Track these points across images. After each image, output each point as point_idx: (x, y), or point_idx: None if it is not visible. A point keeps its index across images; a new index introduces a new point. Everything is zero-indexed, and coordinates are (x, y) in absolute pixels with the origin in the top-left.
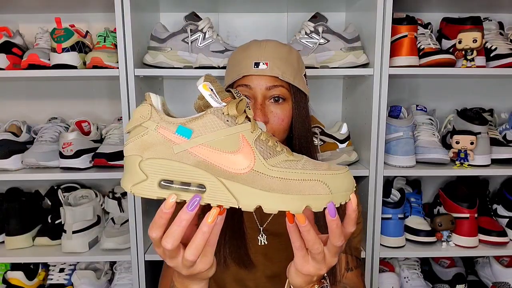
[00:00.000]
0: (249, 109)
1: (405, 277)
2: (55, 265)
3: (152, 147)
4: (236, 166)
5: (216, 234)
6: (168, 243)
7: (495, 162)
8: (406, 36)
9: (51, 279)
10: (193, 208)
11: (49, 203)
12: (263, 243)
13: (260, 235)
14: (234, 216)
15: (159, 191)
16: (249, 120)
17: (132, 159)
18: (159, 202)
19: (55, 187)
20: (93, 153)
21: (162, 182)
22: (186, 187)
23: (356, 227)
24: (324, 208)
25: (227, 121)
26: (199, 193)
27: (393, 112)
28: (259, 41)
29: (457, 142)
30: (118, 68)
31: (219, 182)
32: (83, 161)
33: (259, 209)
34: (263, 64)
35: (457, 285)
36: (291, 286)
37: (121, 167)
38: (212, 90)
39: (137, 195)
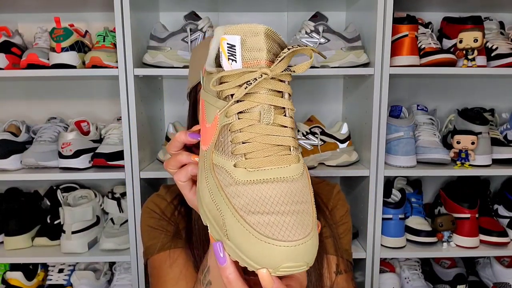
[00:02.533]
0: (245, 88)
1: (405, 278)
2: (54, 266)
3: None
4: (204, 138)
5: (183, 174)
6: (168, 147)
7: (496, 162)
8: (406, 35)
9: (50, 279)
10: (192, 137)
11: (48, 203)
12: None
13: None
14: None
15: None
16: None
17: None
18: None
19: (54, 187)
20: (92, 153)
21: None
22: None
23: (344, 226)
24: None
25: (218, 90)
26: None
27: (394, 112)
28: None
29: (458, 142)
30: (117, 67)
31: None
32: (82, 161)
33: None
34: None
35: (457, 286)
36: None
37: (120, 167)
38: (231, 47)
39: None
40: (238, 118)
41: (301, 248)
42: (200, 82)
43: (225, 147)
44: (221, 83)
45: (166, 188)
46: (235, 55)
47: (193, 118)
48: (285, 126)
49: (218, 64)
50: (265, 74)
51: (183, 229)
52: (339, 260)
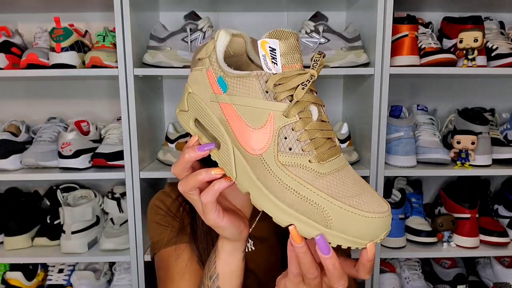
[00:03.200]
0: (303, 88)
1: (406, 278)
2: (54, 266)
3: (199, 85)
4: (249, 143)
5: (210, 195)
6: (173, 169)
7: (496, 162)
8: (407, 35)
9: (50, 279)
10: (203, 150)
11: (48, 203)
12: (250, 249)
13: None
14: None
15: (192, 127)
16: (291, 101)
17: (186, 88)
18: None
19: (54, 187)
20: (92, 153)
21: (196, 121)
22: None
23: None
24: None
25: (266, 92)
26: (216, 145)
27: (394, 112)
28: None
29: (458, 142)
30: (117, 67)
31: (231, 148)
32: (82, 161)
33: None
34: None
35: (458, 286)
36: None
37: (120, 167)
38: (272, 51)
39: (178, 120)
40: (299, 118)
41: (389, 216)
42: None
43: (293, 146)
44: (274, 85)
45: (171, 186)
46: (276, 58)
47: None
48: (327, 121)
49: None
50: (313, 76)
51: (188, 224)
52: (338, 253)
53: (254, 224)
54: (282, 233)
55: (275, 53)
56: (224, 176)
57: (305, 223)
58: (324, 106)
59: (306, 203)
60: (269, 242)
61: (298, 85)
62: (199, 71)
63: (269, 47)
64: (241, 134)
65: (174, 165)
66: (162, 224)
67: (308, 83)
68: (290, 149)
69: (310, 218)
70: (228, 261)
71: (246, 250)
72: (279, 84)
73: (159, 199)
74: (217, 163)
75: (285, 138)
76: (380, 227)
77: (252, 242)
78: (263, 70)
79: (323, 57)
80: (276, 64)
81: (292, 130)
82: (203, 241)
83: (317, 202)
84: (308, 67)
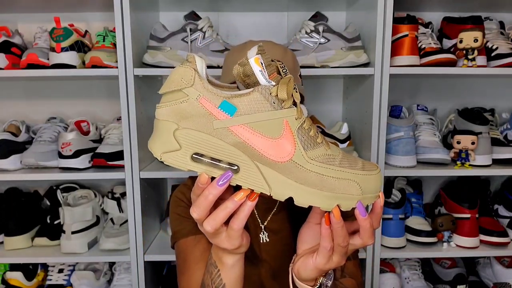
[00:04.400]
0: (296, 91)
1: (406, 278)
2: (54, 266)
3: (191, 117)
4: (276, 153)
5: (242, 220)
6: (195, 213)
7: (496, 162)
8: (407, 35)
9: (50, 279)
10: (224, 183)
11: (48, 203)
12: (265, 241)
13: (261, 233)
14: (233, 214)
15: (191, 164)
16: (295, 105)
17: (166, 125)
18: (157, 201)
19: (54, 187)
20: (92, 153)
21: (194, 155)
22: (216, 163)
23: (351, 218)
24: (353, 208)
25: (273, 103)
26: (232, 171)
27: (394, 112)
28: (255, 41)
29: (458, 142)
30: (117, 67)
31: (254, 166)
32: (82, 161)
33: (261, 206)
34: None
35: (458, 286)
36: (295, 278)
37: (120, 167)
38: (263, 65)
39: (168, 163)
40: (305, 117)
41: (381, 171)
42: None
43: (312, 141)
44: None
45: (192, 179)
46: (266, 70)
47: None
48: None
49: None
50: (291, 77)
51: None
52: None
53: (269, 218)
54: (294, 225)
55: (264, 66)
56: (247, 196)
57: (346, 198)
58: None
59: (343, 182)
60: (282, 234)
61: (292, 90)
62: (181, 104)
63: (261, 62)
64: (265, 148)
65: (195, 209)
66: (183, 215)
67: (295, 85)
68: (310, 144)
69: (348, 193)
70: (234, 270)
71: (261, 241)
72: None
73: (181, 191)
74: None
75: (303, 137)
76: (381, 179)
77: (266, 234)
78: (256, 80)
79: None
80: (266, 75)
81: (304, 128)
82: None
83: (349, 178)
84: (309, 67)
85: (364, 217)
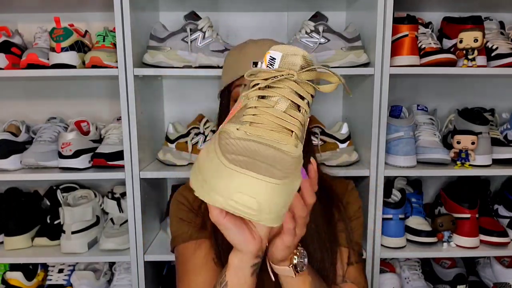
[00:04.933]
0: (272, 80)
1: (405, 278)
2: (54, 266)
3: None
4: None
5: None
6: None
7: (496, 162)
8: (407, 35)
9: (50, 279)
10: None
11: (48, 203)
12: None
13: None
14: None
15: None
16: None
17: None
18: (157, 201)
19: (54, 187)
20: (92, 153)
21: None
22: None
23: (357, 221)
24: None
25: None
26: None
27: (394, 112)
28: (255, 40)
29: (458, 142)
30: (117, 67)
31: None
32: (82, 161)
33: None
34: (262, 63)
35: (458, 286)
36: (272, 265)
37: (120, 167)
38: (272, 59)
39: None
40: (257, 100)
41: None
42: (232, 82)
43: (238, 119)
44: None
45: None
46: (273, 65)
47: (225, 117)
48: (295, 118)
49: None
50: (291, 74)
51: (209, 219)
52: (351, 252)
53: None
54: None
55: (274, 61)
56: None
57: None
58: (305, 111)
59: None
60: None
61: (270, 77)
62: None
63: (270, 56)
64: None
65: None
66: (184, 219)
67: (281, 77)
68: (234, 121)
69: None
70: (236, 272)
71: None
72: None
73: (182, 194)
74: None
75: (238, 114)
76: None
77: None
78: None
79: None
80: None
81: (245, 107)
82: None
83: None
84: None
85: (305, 178)
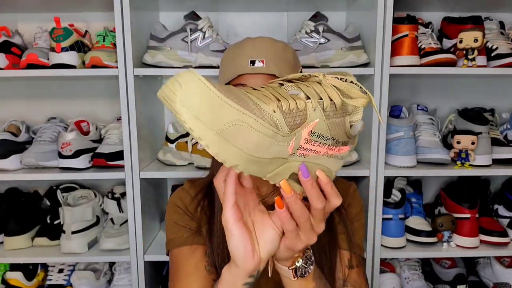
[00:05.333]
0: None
1: (405, 278)
2: (54, 266)
3: None
4: None
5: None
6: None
7: (496, 162)
8: (407, 35)
9: (50, 279)
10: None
11: (48, 203)
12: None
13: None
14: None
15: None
16: None
17: None
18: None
19: (54, 187)
20: (92, 153)
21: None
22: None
23: (358, 223)
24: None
25: None
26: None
27: (394, 112)
28: (252, 38)
29: (458, 142)
30: (117, 67)
31: None
32: (82, 161)
33: None
34: (259, 62)
35: (458, 286)
36: (274, 261)
37: (120, 167)
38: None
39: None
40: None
41: None
42: (229, 82)
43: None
44: None
45: (190, 182)
46: None
47: None
48: (294, 99)
49: None
50: (317, 76)
51: (204, 224)
52: (352, 255)
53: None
54: None
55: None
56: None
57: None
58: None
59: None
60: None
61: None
62: None
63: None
64: None
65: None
66: (179, 223)
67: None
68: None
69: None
70: None
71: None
72: None
73: (179, 197)
74: None
75: None
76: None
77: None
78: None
79: None
80: None
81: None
82: (220, 239)
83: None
84: (309, 67)
85: (307, 178)
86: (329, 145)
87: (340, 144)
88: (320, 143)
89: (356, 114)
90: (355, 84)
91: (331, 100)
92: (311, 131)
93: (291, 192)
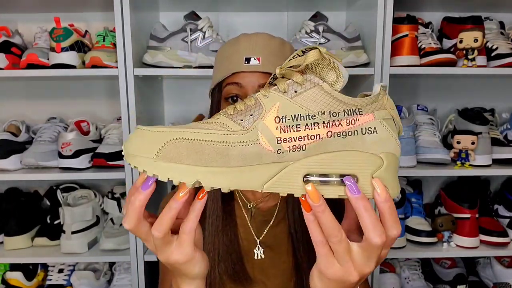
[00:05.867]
0: None
1: (405, 278)
2: (54, 266)
3: None
4: None
5: (193, 221)
6: (125, 223)
7: (496, 162)
8: (407, 35)
9: (50, 279)
10: (147, 187)
11: (48, 203)
12: (259, 257)
13: (256, 248)
14: (226, 228)
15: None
16: None
17: None
18: (157, 201)
19: (54, 187)
20: (92, 153)
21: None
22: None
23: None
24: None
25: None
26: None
27: None
28: (248, 34)
29: (458, 142)
30: (117, 67)
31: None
32: (82, 161)
33: (257, 218)
34: (255, 59)
35: (458, 286)
36: None
37: (120, 167)
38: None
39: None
40: None
41: None
42: (224, 79)
43: None
44: None
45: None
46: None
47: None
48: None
49: None
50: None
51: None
52: None
53: (265, 231)
54: (295, 240)
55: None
56: (193, 194)
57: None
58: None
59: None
60: (280, 250)
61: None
62: None
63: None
64: None
65: (125, 219)
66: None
67: None
68: None
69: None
70: None
71: (255, 258)
72: None
73: (167, 201)
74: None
75: None
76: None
77: (262, 250)
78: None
79: None
80: None
81: None
82: (210, 242)
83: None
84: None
85: (356, 195)
86: (324, 122)
87: (346, 115)
88: (306, 124)
89: (329, 73)
90: (307, 50)
91: (288, 79)
92: (278, 117)
93: (319, 200)
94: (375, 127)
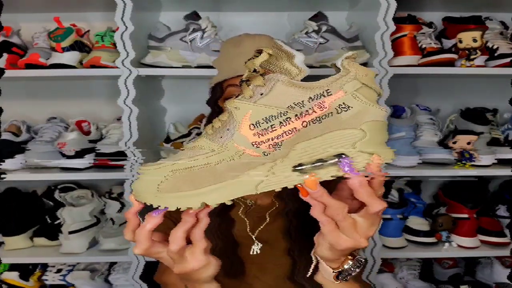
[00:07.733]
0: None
1: (405, 278)
2: (53, 266)
3: None
4: None
5: (202, 228)
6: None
7: (497, 162)
8: (407, 35)
9: (47, 279)
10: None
11: (50, 203)
12: (255, 252)
13: (253, 244)
14: (222, 225)
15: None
16: None
17: None
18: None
19: (52, 187)
20: (93, 153)
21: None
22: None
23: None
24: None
25: None
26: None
27: (396, 112)
28: (252, 36)
29: (454, 142)
30: (118, 67)
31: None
32: (83, 161)
33: (253, 214)
34: None
35: (460, 286)
36: (318, 258)
37: (121, 167)
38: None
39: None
40: None
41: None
42: (227, 78)
43: None
44: None
45: None
46: None
47: (214, 113)
48: None
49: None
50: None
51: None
52: None
53: (261, 227)
54: (292, 237)
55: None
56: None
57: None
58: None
59: None
60: (276, 245)
61: None
62: None
63: None
64: None
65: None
66: (159, 229)
67: None
68: None
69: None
70: None
71: (251, 253)
72: None
73: None
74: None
75: None
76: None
77: (258, 245)
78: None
79: None
80: None
81: None
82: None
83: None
84: (309, 67)
85: (350, 173)
86: (297, 115)
87: (314, 100)
88: (280, 122)
89: (281, 62)
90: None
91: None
92: (252, 124)
93: (316, 187)
94: (347, 103)
